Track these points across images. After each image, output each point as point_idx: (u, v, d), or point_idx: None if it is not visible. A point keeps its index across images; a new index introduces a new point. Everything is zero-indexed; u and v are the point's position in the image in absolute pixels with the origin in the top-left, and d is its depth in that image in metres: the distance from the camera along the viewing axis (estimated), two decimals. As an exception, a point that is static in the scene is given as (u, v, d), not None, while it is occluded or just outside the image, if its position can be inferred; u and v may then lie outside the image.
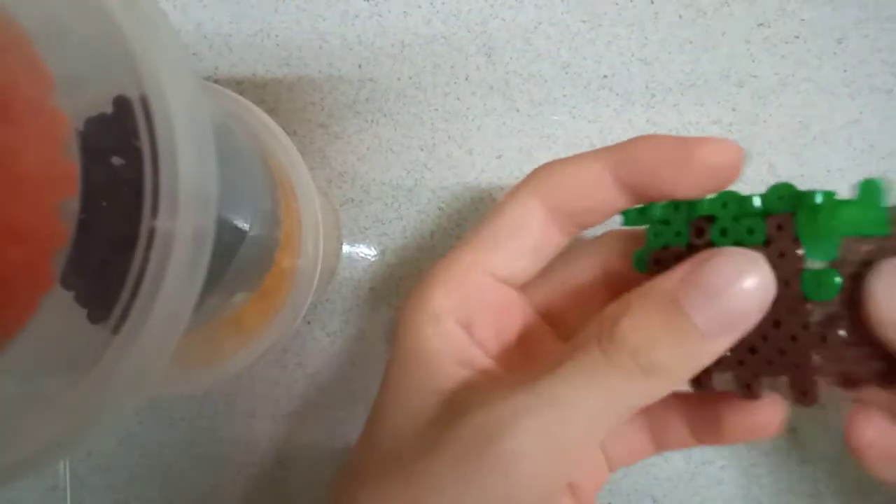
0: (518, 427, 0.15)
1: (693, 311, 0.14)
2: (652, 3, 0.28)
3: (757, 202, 0.16)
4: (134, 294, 0.13)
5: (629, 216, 0.18)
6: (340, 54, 0.29)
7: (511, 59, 0.29)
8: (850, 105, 0.29)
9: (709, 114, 0.29)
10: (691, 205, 0.17)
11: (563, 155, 0.28)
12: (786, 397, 0.16)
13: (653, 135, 0.17)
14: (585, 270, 0.20)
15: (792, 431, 0.29)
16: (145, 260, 0.13)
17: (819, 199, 0.15)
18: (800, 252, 0.15)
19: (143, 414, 0.30)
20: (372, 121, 0.29)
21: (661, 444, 0.20)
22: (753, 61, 0.29)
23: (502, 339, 0.19)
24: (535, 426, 0.15)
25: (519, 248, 0.18)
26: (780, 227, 0.15)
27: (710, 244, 0.16)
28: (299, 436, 0.30)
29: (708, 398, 0.19)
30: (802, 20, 0.28)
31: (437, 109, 0.29)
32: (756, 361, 0.16)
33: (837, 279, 0.15)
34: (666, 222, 0.17)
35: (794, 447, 0.29)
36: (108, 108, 0.18)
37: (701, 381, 0.17)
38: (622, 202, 0.18)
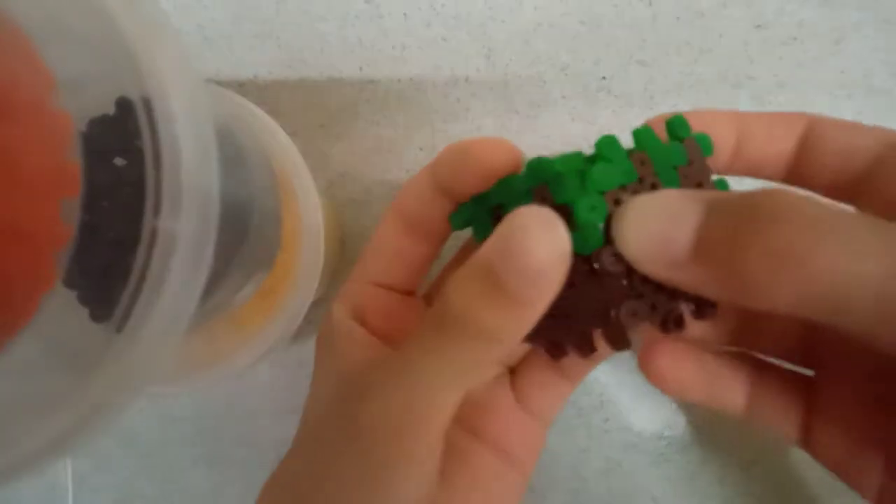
0: (373, 394, 0.17)
1: (502, 272, 0.15)
2: (650, 5, 0.29)
3: (522, 180, 0.17)
4: (136, 294, 0.13)
5: (452, 221, 0.20)
6: (341, 56, 0.29)
7: (510, 60, 0.29)
8: (849, 106, 0.29)
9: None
10: (482, 197, 0.19)
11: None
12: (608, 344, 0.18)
13: (452, 143, 0.19)
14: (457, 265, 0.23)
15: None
16: (147, 260, 0.13)
17: (558, 165, 0.16)
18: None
19: (144, 413, 0.30)
20: (373, 122, 0.29)
21: (571, 377, 0.22)
22: (752, 63, 0.29)
23: (394, 329, 0.21)
24: (387, 394, 0.17)
25: (386, 261, 0.21)
26: (543, 198, 0.17)
27: None
28: (300, 435, 0.30)
29: None
30: (801, 21, 0.29)
31: (437, 111, 0.29)
32: (564, 322, 0.17)
33: (597, 232, 0.16)
34: (476, 219, 0.19)
35: (794, 448, 0.29)
36: (111, 109, 0.18)
37: (551, 351, 0.19)
38: (448, 207, 0.20)
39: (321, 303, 0.29)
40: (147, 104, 0.13)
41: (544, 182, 0.17)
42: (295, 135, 0.29)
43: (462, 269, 0.16)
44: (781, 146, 0.20)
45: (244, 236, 0.20)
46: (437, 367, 0.17)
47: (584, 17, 0.29)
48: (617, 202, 0.16)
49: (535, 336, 0.17)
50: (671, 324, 0.18)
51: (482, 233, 0.19)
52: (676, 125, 0.18)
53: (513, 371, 0.23)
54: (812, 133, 0.20)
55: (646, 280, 0.17)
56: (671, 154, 0.17)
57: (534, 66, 0.29)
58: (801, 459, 0.29)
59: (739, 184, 0.23)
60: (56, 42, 0.16)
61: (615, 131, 0.29)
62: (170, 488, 0.31)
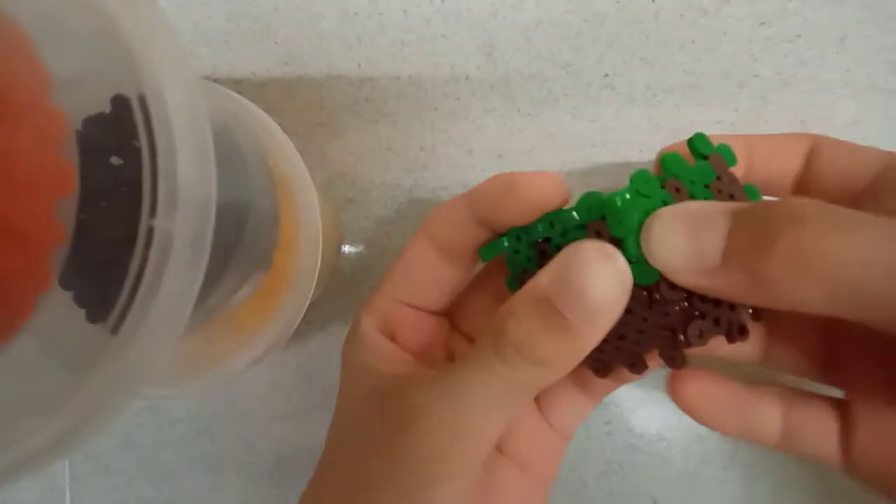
0: (426, 413, 0.17)
1: (563, 306, 0.16)
2: (653, 2, 0.28)
3: (575, 216, 0.18)
4: (132, 294, 0.13)
5: (483, 253, 0.20)
6: (340, 53, 0.29)
7: (511, 58, 0.29)
8: (852, 105, 0.29)
9: (710, 113, 0.29)
10: (526, 230, 0.19)
11: (564, 155, 0.28)
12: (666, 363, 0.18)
13: (498, 174, 0.19)
14: (479, 285, 0.23)
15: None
16: (144, 260, 0.13)
17: (619, 202, 0.17)
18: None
19: (141, 415, 0.30)
20: (371, 120, 0.29)
21: (594, 395, 0.22)
22: (755, 61, 0.29)
23: (424, 345, 0.22)
24: (437, 413, 0.17)
25: (417, 282, 0.22)
26: (598, 233, 0.18)
27: None
28: (299, 436, 0.30)
29: None
30: (804, 19, 0.28)
31: (436, 109, 0.29)
32: (625, 345, 0.18)
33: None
34: (516, 251, 0.20)
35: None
36: (107, 108, 0.17)
37: (598, 370, 0.20)
38: (484, 236, 0.20)
39: (319, 303, 0.29)
40: (143, 102, 0.13)
41: (600, 217, 0.18)
42: (293, 133, 0.29)
43: (520, 297, 0.17)
44: (788, 165, 0.21)
45: (241, 236, 0.19)
46: (490, 390, 0.17)
47: (587, 15, 0.29)
48: None
49: (587, 357, 0.18)
50: (736, 333, 0.18)
51: (521, 265, 0.20)
52: (699, 143, 0.19)
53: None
54: (817, 152, 0.21)
55: (704, 298, 0.17)
56: (700, 174, 0.18)
57: (535, 64, 0.29)
58: (801, 460, 0.29)
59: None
60: (52, 40, 0.16)
61: (617, 130, 0.29)
62: (168, 490, 0.31)
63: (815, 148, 0.21)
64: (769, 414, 0.21)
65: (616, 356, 0.19)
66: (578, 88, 0.29)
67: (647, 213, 0.17)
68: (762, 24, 0.28)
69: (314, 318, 0.29)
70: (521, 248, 0.20)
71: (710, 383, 0.21)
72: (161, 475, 0.30)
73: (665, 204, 0.17)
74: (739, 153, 0.21)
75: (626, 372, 0.20)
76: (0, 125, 0.15)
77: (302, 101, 0.29)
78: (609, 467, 0.29)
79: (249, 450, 0.30)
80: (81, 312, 0.17)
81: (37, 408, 0.14)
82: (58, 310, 0.17)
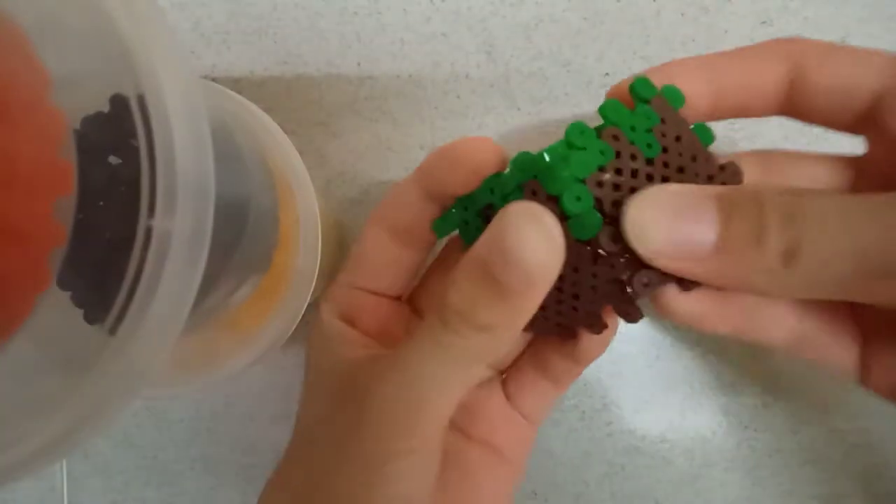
0: (378, 390, 0.17)
1: (497, 271, 0.16)
2: (654, 0, 0.28)
3: (510, 178, 0.18)
4: (131, 294, 0.13)
5: (436, 228, 0.20)
6: (339, 52, 0.29)
7: (512, 56, 0.29)
8: (853, 103, 0.28)
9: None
10: (469, 198, 0.19)
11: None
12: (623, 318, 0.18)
13: (438, 147, 0.19)
14: (440, 266, 0.23)
15: (795, 433, 0.29)
16: (142, 260, 0.13)
17: (547, 157, 0.17)
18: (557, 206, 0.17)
19: (140, 415, 0.30)
20: (371, 119, 0.29)
21: (558, 383, 0.22)
22: (756, 59, 0.28)
23: (384, 329, 0.22)
24: (390, 390, 0.17)
25: (373, 268, 0.22)
26: (534, 192, 0.17)
27: None
28: (298, 437, 0.30)
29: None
30: (805, 18, 0.28)
31: (436, 108, 0.29)
32: (581, 305, 0.18)
33: (594, 219, 0.17)
34: (465, 221, 0.20)
35: (796, 449, 0.29)
36: (105, 107, 0.17)
37: (562, 335, 0.20)
38: (434, 211, 0.20)
39: (319, 304, 0.29)
40: (142, 101, 0.13)
41: (533, 176, 0.17)
42: (292, 133, 0.29)
43: (458, 267, 0.17)
44: (764, 84, 0.19)
45: (240, 236, 0.19)
46: (440, 361, 0.17)
47: (587, 13, 0.28)
48: (600, 184, 0.17)
49: (545, 324, 0.18)
50: (688, 283, 0.18)
51: (472, 235, 0.19)
52: (639, 88, 0.18)
53: (503, 374, 0.23)
54: (799, 72, 0.19)
55: None
56: (640, 119, 0.18)
57: (535, 62, 0.29)
58: (804, 461, 0.29)
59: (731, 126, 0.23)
60: (52, 39, 0.16)
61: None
62: (166, 491, 0.30)
63: (798, 65, 0.19)
64: (778, 316, 0.20)
65: (574, 317, 0.19)
66: (579, 87, 0.29)
67: (582, 165, 0.16)
68: (763, 22, 0.28)
69: (313, 319, 0.29)
70: (469, 218, 0.20)
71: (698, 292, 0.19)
72: (160, 476, 0.30)
73: (603, 155, 0.17)
74: (699, 79, 0.19)
75: (589, 348, 0.20)
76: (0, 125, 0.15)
77: (301, 100, 0.29)
78: (611, 469, 0.29)
79: (248, 450, 0.30)
80: (79, 313, 0.17)
81: (35, 408, 0.14)
82: (56, 310, 0.17)
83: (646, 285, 0.17)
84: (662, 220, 0.16)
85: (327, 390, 0.20)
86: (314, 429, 0.20)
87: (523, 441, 0.23)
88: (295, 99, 0.29)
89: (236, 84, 0.29)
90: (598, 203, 0.17)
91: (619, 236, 0.17)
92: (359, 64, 0.29)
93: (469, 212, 0.19)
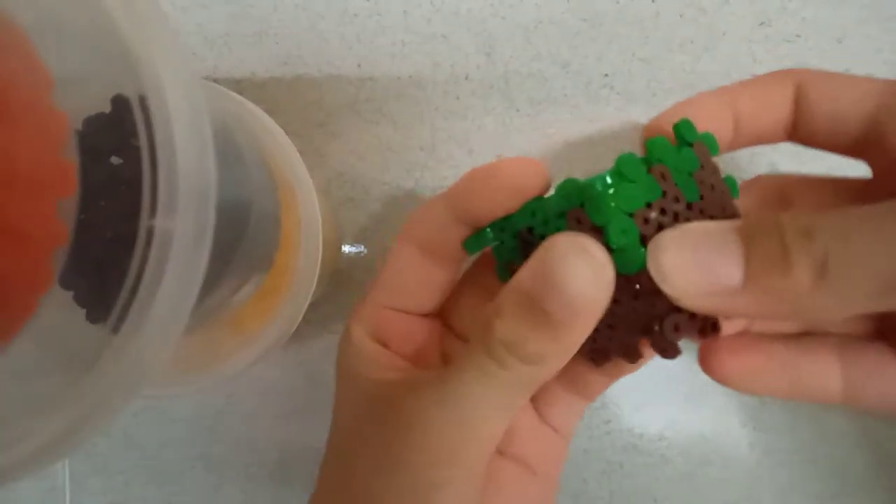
0: (424, 417, 0.17)
1: (545, 303, 0.16)
2: (653, 1, 0.28)
3: (554, 204, 0.18)
4: (133, 294, 0.13)
5: (468, 246, 0.20)
6: (340, 53, 0.29)
7: (511, 57, 0.29)
8: (851, 104, 0.29)
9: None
10: (507, 220, 0.19)
11: (562, 154, 0.28)
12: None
13: (474, 168, 0.19)
14: (469, 282, 0.23)
15: (793, 432, 0.29)
16: (144, 259, 0.13)
17: (598, 186, 0.16)
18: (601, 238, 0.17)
19: (142, 415, 0.30)
20: (371, 120, 0.29)
21: (585, 395, 0.22)
22: (754, 60, 0.29)
23: (417, 349, 0.22)
24: (435, 416, 0.17)
25: (404, 287, 0.21)
26: (578, 221, 0.17)
27: None
28: (299, 436, 0.30)
29: None
30: (803, 19, 0.28)
31: (436, 109, 0.29)
32: (617, 334, 0.18)
33: (639, 254, 0.16)
34: (500, 242, 0.19)
35: (794, 448, 0.29)
36: (107, 108, 0.17)
37: (595, 359, 0.19)
38: (466, 233, 0.20)
39: (320, 303, 0.29)
40: (143, 102, 0.13)
41: (579, 205, 0.17)
42: (293, 133, 0.29)
43: (504, 295, 0.17)
44: (776, 113, 0.20)
45: (242, 236, 0.19)
46: (487, 391, 0.17)
47: (586, 14, 0.29)
48: (646, 221, 0.17)
49: (581, 348, 0.17)
50: (709, 329, 0.18)
51: (507, 256, 0.19)
52: (684, 130, 0.18)
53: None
54: (802, 96, 0.20)
55: None
56: (685, 162, 0.18)
57: (535, 64, 0.29)
58: (802, 460, 0.29)
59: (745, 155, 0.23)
60: (53, 40, 0.16)
61: (617, 129, 0.29)
62: (168, 490, 0.31)
63: (801, 90, 0.20)
64: (826, 372, 0.19)
65: (610, 345, 0.19)
66: (578, 88, 0.29)
67: (631, 199, 0.16)
68: (762, 23, 0.28)
69: (314, 318, 0.29)
70: (504, 239, 0.19)
71: (747, 354, 0.20)
72: (161, 475, 0.30)
73: (650, 191, 0.17)
74: (724, 112, 0.20)
75: (621, 365, 0.20)
76: (1, 125, 0.15)
77: (302, 102, 0.29)
78: (609, 467, 0.29)
79: (250, 449, 0.30)
80: (82, 312, 0.17)
81: (37, 407, 0.14)
82: (58, 310, 0.17)
83: (675, 330, 0.17)
84: (687, 260, 0.16)
85: (364, 413, 0.19)
86: (352, 454, 0.19)
87: (556, 456, 0.22)
88: (296, 100, 0.29)
89: (237, 85, 0.29)
90: (643, 240, 0.16)
91: None
92: (359, 65, 0.29)
93: (505, 233, 0.19)
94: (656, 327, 0.17)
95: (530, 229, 0.18)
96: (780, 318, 0.17)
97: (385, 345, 0.21)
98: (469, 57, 0.29)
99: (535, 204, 0.18)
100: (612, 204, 0.16)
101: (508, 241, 0.19)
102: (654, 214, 0.17)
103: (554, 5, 0.29)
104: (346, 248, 0.30)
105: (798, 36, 0.28)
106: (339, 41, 0.29)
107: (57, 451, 0.13)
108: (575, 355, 0.17)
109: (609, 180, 0.17)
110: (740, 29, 0.28)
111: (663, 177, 0.17)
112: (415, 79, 0.29)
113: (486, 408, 0.17)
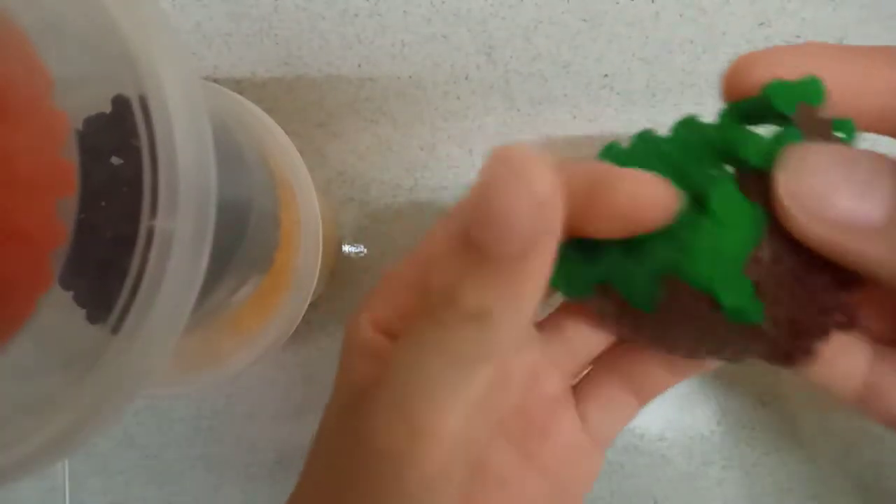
0: (368, 410, 0.14)
1: (480, 237, 0.12)
2: (653, 2, 0.28)
3: (639, 265, 0.15)
4: (133, 294, 0.13)
5: (556, 283, 0.16)
6: (340, 53, 0.29)
7: (511, 58, 0.29)
8: (851, 104, 0.29)
9: (709, 113, 0.29)
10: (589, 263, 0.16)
11: (563, 155, 0.28)
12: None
13: (578, 164, 0.15)
14: None
15: (793, 432, 0.29)
16: (144, 259, 0.13)
17: (692, 241, 0.14)
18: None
19: (142, 414, 0.30)
20: (371, 120, 0.29)
21: (643, 395, 0.19)
22: (754, 60, 0.29)
23: None
24: (381, 407, 0.14)
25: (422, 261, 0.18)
26: (676, 287, 0.15)
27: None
28: (299, 436, 0.30)
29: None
30: (803, 19, 0.28)
31: (436, 109, 0.29)
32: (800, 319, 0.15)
33: (757, 307, 0.14)
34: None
35: (795, 447, 0.29)
36: (107, 108, 0.17)
37: (795, 360, 0.15)
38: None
39: (319, 303, 0.29)
40: (144, 102, 0.13)
41: (672, 269, 0.15)
42: (293, 133, 0.29)
43: (441, 240, 0.14)
44: (883, 99, 0.15)
45: (242, 236, 0.19)
46: (429, 365, 0.14)
47: (586, 15, 0.29)
48: (757, 260, 0.14)
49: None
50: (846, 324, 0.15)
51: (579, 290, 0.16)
52: (778, 97, 0.15)
53: (576, 390, 0.19)
54: None
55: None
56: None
57: (535, 64, 0.29)
58: (801, 460, 0.29)
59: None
60: (53, 40, 0.16)
61: (616, 129, 0.29)
62: (168, 490, 0.31)
63: None
64: (850, 367, 0.17)
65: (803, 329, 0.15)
66: (578, 88, 0.29)
67: (732, 255, 0.14)
68: (761, 24, 0.28)
69: (314, 318, 0.29)
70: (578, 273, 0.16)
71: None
72: (161, 475, 0.30)
73: (755, 226, 0.14)
74: (856, 82, 0.15)
75: (692, 362, 0.17)
76: (1, 125, 0.15)
77: (302, 101, 0.29)
78: (610, 467, 0.29)
79: (250, 449, 0.30)
80: (82, 312, 0.17)
81: (37, 407, 0.14)
82: (58, 310, 0.17)
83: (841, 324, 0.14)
84: (822, 180, 0.13)
85: (336, 409, 0.17)
86: (322, 455, 0.17)
87: (591, 472, 0.19)
88: (296, 100, 0.29)
89: (238, 85, 0.29)
90: (758, 292, 0.14)
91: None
92: (359, 65, 0.29)
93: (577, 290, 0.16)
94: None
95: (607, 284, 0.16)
96: None
97: (388, 332, 0.18)
98: (469, 57, 0.29)
99: (618, 259, 0.15)
100: (711, 270, 0.14)
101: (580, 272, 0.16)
102: (765, 252, 0.14)
103: (554, 5, 0.29)
104: (345, 248, 0.30)
105: (798, 36, 0.28)
106: (339, 41, 0.29)
107: (57, 451, 0.13)
108: (645, 343, 0.15)
109: (703, 227, 0.14)
110: (740, 29, 0.28)
111: (764, 191, 0.14)
112: (415, 79, 0.29)
113: (430, 383, 0.14)
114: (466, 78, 0.29)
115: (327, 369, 0.30)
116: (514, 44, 0.29)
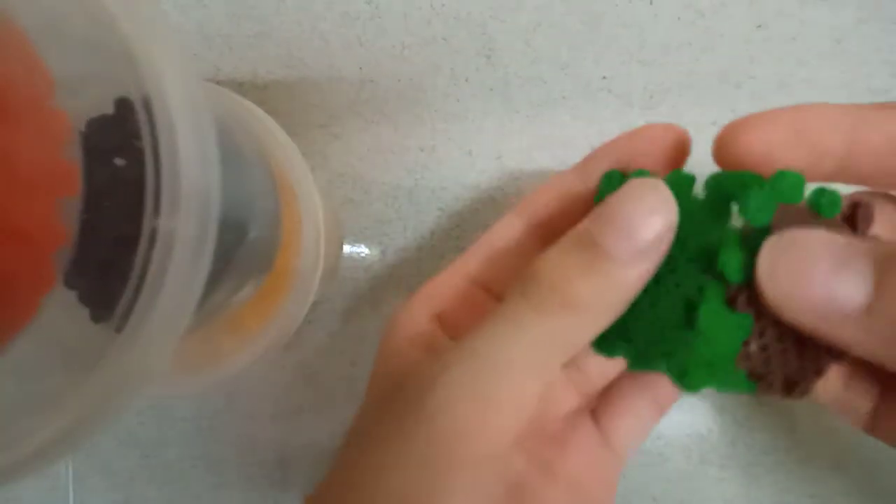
0: (442, 380, 0.15)
1: (604, 239, 0.14)
2: (651, 4, 0.28)
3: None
4: (136, 294, 0.13)
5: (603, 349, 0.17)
6: (341, 55, 0.29)
7: (511, 60, 0.29)
8: (849, 106, 0.29)
9: (707, 115, 0.29)
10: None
11: (562, 156, 0.28)
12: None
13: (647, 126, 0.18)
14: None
15: (791, 431, 0.29)
16: (147, 260, 0.13)
17: (676, 350, 0.15)
18: None
19: (143, 414, 0.30)
20: (372, 122, 0.29)
21: (661, 400, 0.19)
22: (752, 62, 0.29)
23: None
24: (457, 378, 0.15)
25: (497, 263, 0.19)
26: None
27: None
28: (299, 436, 0.30)
29: None
30: (801, 21, 0.29)
31: (437, 110, 0.29)
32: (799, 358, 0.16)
33: (752, 387, 0.15)
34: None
35: (793, 446, 0.29)
36: (110, 109, 0.18)
37: (797, 390, 0.16)
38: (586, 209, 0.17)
39: (320, 303, 0.29)
40: (146, 104, 0.13)
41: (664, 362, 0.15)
42: (294, 134, 0.29)
43: (555, 244, 0.15)
44: None
45: (243, 236, 0.19)
46: (519, 346, 0.15)
47: (585, 17, 0.29)
48: (748, 357, 0.15)
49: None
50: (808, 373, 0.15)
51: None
52: (760, 210, 0.15)
53: (593, 405, 0.20)
54: None
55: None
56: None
57: (534, 66, 0.29)
58: (800, 459, 0.29)
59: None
60: (55, 42, 0.16)
61: (615, 131, 0.29)
62: (170, 489, 0.31)
63: None
64: (860, 394, 0.18)
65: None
66: (576, 90, 0.29)
67: (722, 358, 0.15)
68: (759, 25, 0.29)
69: (315, 318, 0.30)
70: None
71: None
72: (162, 474, 0.31)
73: (740, 328, 0.15)
74: (841, 140, 0.15)
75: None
76: (1, 125, 0.15)
77: (303, 103, 0.29)
78: (608, 467, 0.29)
79: (250, 449, 0.30)
80: (85, 312, 0.17)
81: (40, 406, 0.14)
82: (62, 309, 0.17)
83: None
84: (801, 266, 0.14)
85: (383, 389, 0.17)
86: (361, 433, 0.17)
87: (611, 482, 0.19)
88: (297, 101, 0.29)
89: (239, 87, 0.29)
90: (751, 375, 0.15)
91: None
92: (360, 67, 0.29)
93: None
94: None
95: None
96: (891, 361, 0.14)
97: (452, 330, 0.18)
98: (469, 59, 0.29)
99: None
100: (702, 378, 0.14)
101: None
102: (753, 347, 0.15)
103: (553, 8, 0.29)
104: (346, 249, 0.30)
105: (795, 38, 0.29)
106: (340, 43, 0.29)
107: (59, 450, 0.13)
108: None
109: (690, 341, 0.15)
110: (738, 31, 0.29)
111: (750, 301, 0.15)
112: (415, 81, 0.29)
113: (518, 367, 0.15)
114: (466, 80, 0.29)
115: (327, 369, 0.30)
116: (513, 46, 0.29)
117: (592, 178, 0.18)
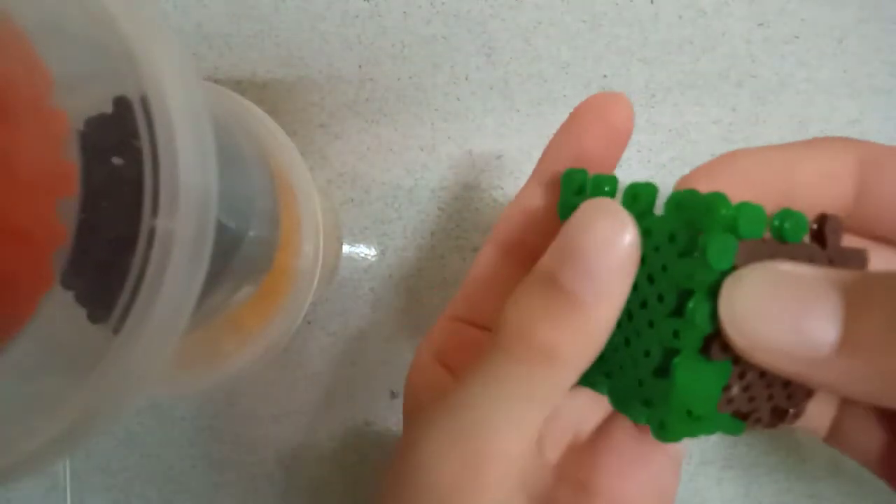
0: (426, 438, 0.15)
1: (565, 279, 0.13)
2: (652, 3, 0.28)
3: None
4: (134, 294, 0.13)
5: (562, 209, 0.17)
6: (340, 54, 0.29)
7: (511, 59, 0.29)
8: (850, 105, 0.29)
9: (708, 114, 0.29)
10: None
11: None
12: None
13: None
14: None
15: (791, 431, 0.29)
16: (145, 260, 0.13)
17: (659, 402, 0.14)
18: None
19: (143, 414, 0.30)
20: (372, 121, 0.29)
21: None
22: (753, 61, 0.29)
23: None
24: (439, 436, 0.14)
25: (473, 295, 0.18)
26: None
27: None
28: (299, 436, 0.30)
29: None
30: (802, 20, 0.28)
31: (437, 109, 0.29)
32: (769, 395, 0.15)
33: (740, 426, 0.15)
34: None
35: (793, 447, 0.29)
36: (109, 108, 0.18)
37: (788, 417, 0.16)
38: (555, 226, 0.16)
39: (320, 303, 0.29)
40: (145, 103, 0.13)
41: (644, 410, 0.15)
42: (294, 134, 0.29)
43: (521, 283, 0.14)
44: (837, 188, 0.15)
45: (242, 237, 0.19)
46: (495, 401, 0.14)
47: (585, 15, 0.29)
48: (730, 401, 0.15)
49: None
50: (781, 412, 0.15)
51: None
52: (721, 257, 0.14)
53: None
54: (867, 177, 0.15)
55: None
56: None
57: (534, 65, 0.29)
58: (799, 460, 0.29)
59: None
60: (54, 41, 0.16)
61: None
62: (169, 489, 0.31)
63: (865, 170, 0.15)
64: (819, 407, 0.17)
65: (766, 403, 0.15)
66: (577, 89, 0.29)
67: (703, 404, 0.14)
68: (760, 24, 0.28)
69: (315, 318, 0.30)
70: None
71: None
72: (162, 474, 0.31)
73: (721, 373, 0.14)
74: (780, 178, 0.16)
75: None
76: (1, 125, 0.15)
77: (303, 102, 0.29)
78: (608, 467, 0.29)
79: (250, 449, 0.30)
80: (83, 312, 0.17)
81: (38, 407, 0.14)
82: (59, 310, 0.17)
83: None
84: (767, 304, 0.13)
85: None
86: (383, 487, 0.17)
87: (666, 484, 0.17)
88: (296, 100, 0.29)
89: (238, 86, 0.29)
90: (736, 414, 0.15)
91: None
92: (360, 66, 0.29)
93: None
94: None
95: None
96: (872, 400, 0.13)
97: (451, 368, 0.18)
98: (469, 58, 0.29)
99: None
100: (682, 427, 0.14)
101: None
102: (735, 391, 0.14)
103: (553, 7, 0.29)
104: (346, 248, 0.30)
105: (797, 37, 0.29)
106: (339, 42, 0.29)
107: (58, 450, 0.13)
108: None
109: (670, 400, 0.14)
110: (739, 30, 0.29)
111: (724, 349, 0.14)
112: (415, 80, 0.29)
113: (495, 420, 0.14)
114: (466, 79, 0.29)
115: (327, 369, 0.30)
116: (513, 45, 0.29)
117: (552, 185, 0.17)
